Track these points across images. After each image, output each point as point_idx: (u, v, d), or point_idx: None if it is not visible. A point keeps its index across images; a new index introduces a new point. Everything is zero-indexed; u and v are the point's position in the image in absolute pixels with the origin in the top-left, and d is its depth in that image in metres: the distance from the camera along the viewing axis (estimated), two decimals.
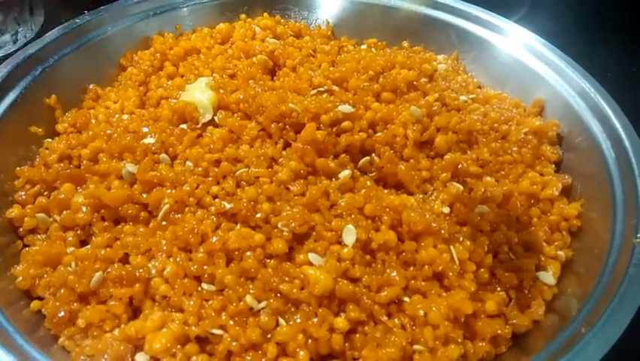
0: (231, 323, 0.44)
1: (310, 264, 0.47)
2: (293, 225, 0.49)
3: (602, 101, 0.59)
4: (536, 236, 0.52)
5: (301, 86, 0.63)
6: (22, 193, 0.55)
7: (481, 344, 0.45)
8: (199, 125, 0.59)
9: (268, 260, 0.48)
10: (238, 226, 0.50)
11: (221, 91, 0.62)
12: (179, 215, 0.51)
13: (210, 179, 0.53)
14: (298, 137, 0.56)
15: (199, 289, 0.46)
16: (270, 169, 0.54)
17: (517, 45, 0.69)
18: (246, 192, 0.51)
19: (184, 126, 0.59)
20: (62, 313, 0.46)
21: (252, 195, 0.51)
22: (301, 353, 0.43)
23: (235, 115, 0.60)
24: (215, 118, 0.60)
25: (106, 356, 0.43)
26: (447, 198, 0.54)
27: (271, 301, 0.45)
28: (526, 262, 0.50)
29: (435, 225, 0.49)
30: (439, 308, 0.45)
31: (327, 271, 0.46)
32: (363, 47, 0.77)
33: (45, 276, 0.49)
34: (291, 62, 0.71)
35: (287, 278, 0.46)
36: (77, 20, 0.69)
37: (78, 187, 0.55)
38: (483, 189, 0.55)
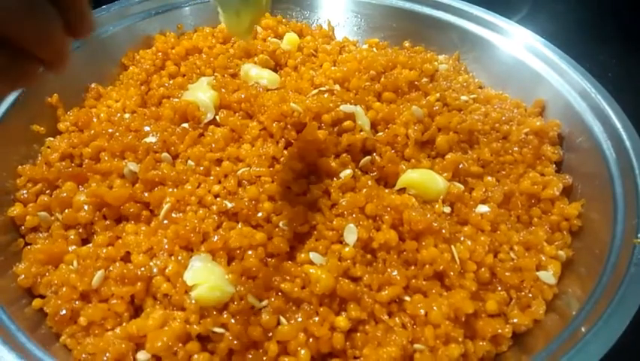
0: (233, 321, 0.44)
1: (311, 263, 0.47)
2: (294, 224, 0.49)
3: (602, 102, 0.59)
4: (537, 236, 0.52)
5: (302, 85, 0.63)
6: (24, 192, 0.55)
7: (481, 343, 0.46)
8: (201, 125, 0.59)
9: (269, 259, 0.48)
10: (239, 225, 0.50)
11: (223, 90, 0.62)
12: (181, 214, 0.51)
13: (212, 178, 0.54)
14: (299, 136, 0.56)
15: None
16: (271, 168, 0.54)
17: (518, 45, 0.70)
18: (247, 191, 0.51)
19: (186, 125, 0.59)
20: (64, 312, 0.46)
21: (254, 194, 0.51)
22: (302, 351, 0.43)
23: (237, 114, 0.60)
24: (217, 117, 0.60)
25: (107, 355, 0.43)
26: (448, 198, 0.54)
27: (272, 300, 0.45)
28: (526, 261, 0.50)
29: (436, 224, 0.49)
30: (439, 308, 0.45)
31: (328, 270, 0.46)
32: (365, 46, 0.78)
33: (47, 274, 0.49)
34: (293, 62, 0.71)
35: (288, 277, 0.46)
36: None
37: (80, 186, 0.55)
38: (484, 189, 0.56)
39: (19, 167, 0.56)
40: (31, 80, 0.31)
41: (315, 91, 0.62)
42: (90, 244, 0.51)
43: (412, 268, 0.48)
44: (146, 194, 0.52)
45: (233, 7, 0.42)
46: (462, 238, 0.50)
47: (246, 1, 0.42)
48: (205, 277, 0.45)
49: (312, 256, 0.47)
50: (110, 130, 0.59)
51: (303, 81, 0.64)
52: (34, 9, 0.28)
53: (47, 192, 0.55)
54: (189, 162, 0.55)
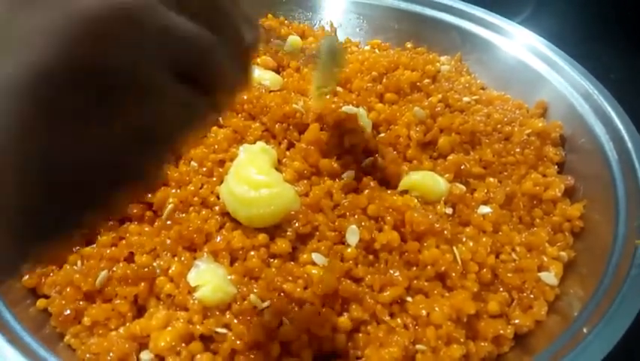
0: (235, 321, 0.44)
1: (313, 264, 0.47)
2: (296, 225, 0.49)
3: (605, 103, 0.59)
4: (539, 237, 0.52)
5: (305, 86, 0.63)
6: None
7: (483, 344, 0.46)
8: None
9: (272, 260, 0.48)
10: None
11: None
12: (184, 215, 0.51)
13: (215, 179, 0.54)
14: (302, 137, 0.56)
15: None
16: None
17: (521, 46, 0.70)
18: None
19: None
20: (68, 312, 0.46)
21: None
22: (304, 352, 0.43)
23: (239, 115, 0.60)
24: (220, 118, 0.60)
25: (111, 354, 0.43)
26: (450, 199, 0.54)
27: (275, 300, 0.45)
28: (528, 262, 0.50)
29: (438, 225, 0.49)
30: (441, 308, 0.45)
31: (331, 271, 0.46)
32: (367, 48, 0.78)
33: (51, 274, 0.49)
34: (295, 63, 0.71)
35: (290, 278, 0.46)
36: None
37: None
38: (486, 190, 0.56)
39: None
40: (205, 123, 0.27)
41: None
42: (94, 245, 0.51)
43: (414, 268, 0.48)
44: (149, 195, 0.53)
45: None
46: (464, 239, 0.50)
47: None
48: (208, 278, 0.45)
49: (315, 256, 0.48)
50: None
51: (306, 82, 0.65)
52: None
53: None
54: (192, 163, 0.55)
